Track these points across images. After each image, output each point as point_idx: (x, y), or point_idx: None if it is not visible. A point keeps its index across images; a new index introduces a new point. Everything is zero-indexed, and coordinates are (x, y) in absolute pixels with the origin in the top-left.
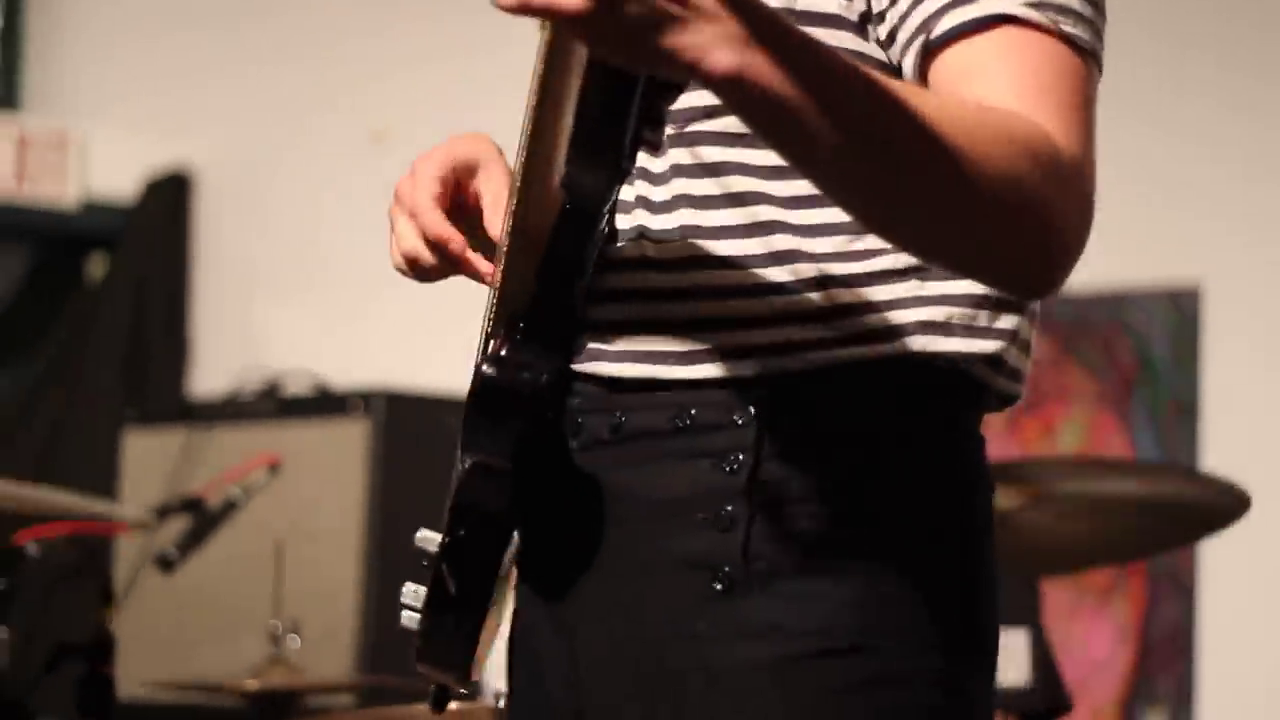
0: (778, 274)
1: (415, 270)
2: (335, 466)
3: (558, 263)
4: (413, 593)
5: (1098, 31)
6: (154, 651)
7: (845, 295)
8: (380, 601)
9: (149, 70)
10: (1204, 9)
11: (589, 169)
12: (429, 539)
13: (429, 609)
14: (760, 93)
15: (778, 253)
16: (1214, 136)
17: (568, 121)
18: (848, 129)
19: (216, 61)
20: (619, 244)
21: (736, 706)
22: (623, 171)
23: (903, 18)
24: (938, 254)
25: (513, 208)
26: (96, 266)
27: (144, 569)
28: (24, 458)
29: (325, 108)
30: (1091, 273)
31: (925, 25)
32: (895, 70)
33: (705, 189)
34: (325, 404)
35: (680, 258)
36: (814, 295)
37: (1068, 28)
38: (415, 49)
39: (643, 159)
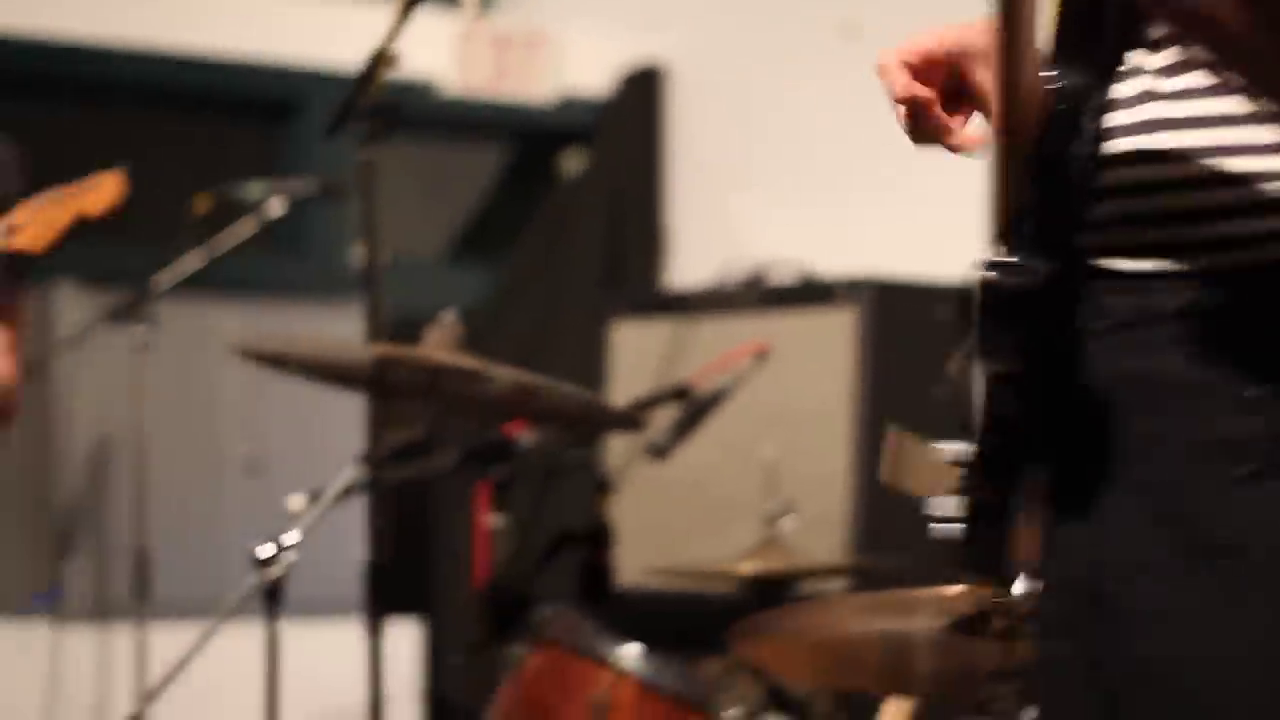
0: None
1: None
2: (822, 355)
3: (1051, 163)
4: (942, 504)
5: None
6: (646, 539)
7: None
8: (872, 487)
9: None
10: None
11: (1075, 68)
12: (950, 451)
13: (965, 519)
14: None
15: None
16: None
17: (1049, 18)
18: None
19: None
20: (1117, 139)
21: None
22: (1110, 69)
23: None
24: None
25: (1001, 108)
26: (572, 162)
27: (635, 458)
28: (505, 352)
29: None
30: None
31: None
32: None
33: (1204, 81)
34: (811, 293)
35: (1183, 150)
36: None
37: None
38: None
39: (1141, 56)
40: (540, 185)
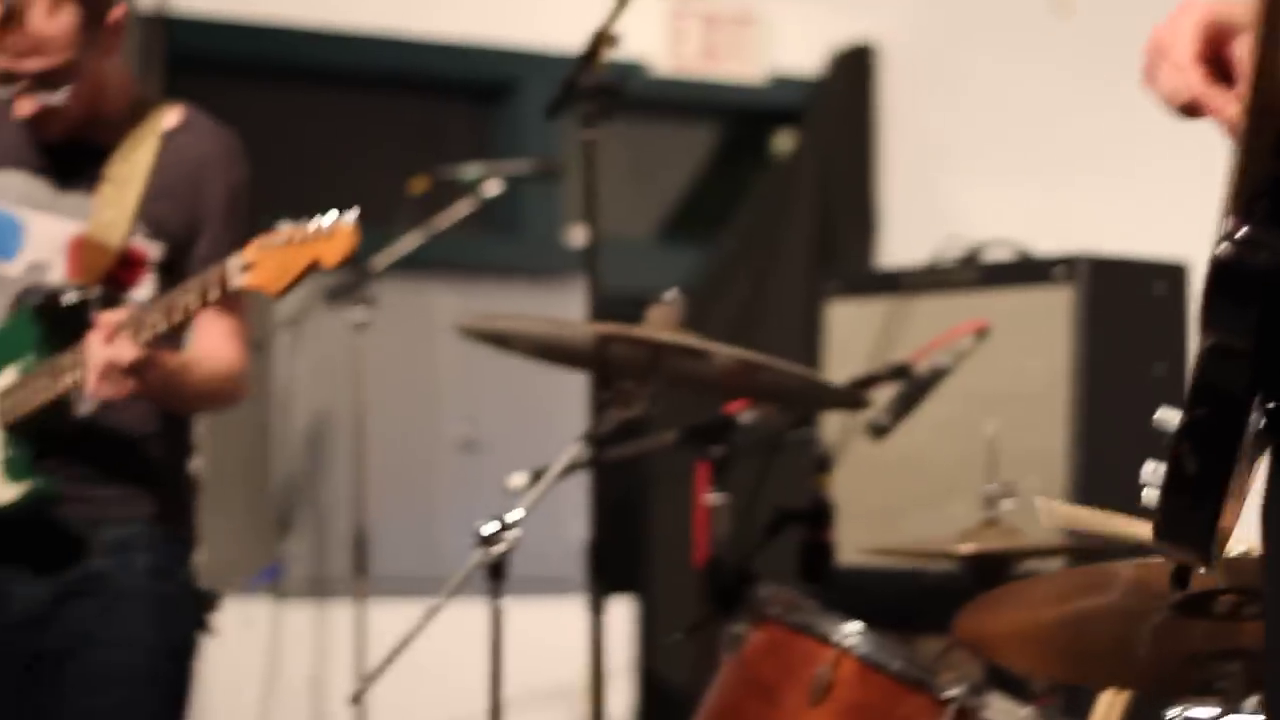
0: None
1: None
2: (1039, 332)
3: None
4: (1153, 471)
5: None
6: (864, 518)
7: None
8: (1090, 465)
9: None
10: None
11: None
12: (1169, 418)
13: (1168, 488)
14: None
15: None
16: None
17: None
18: None
19: None
20: None
21: None
22: None
23: None
24: None
25: (1254, 84)
26: (783, 141)
27: (851, 437)
28: (716, 332)
29: None
30: None
31: None
32: None
33: None
34: (1027, 271)
35: None
36: None
37: None
38: None
39: None
40: (751, 165)
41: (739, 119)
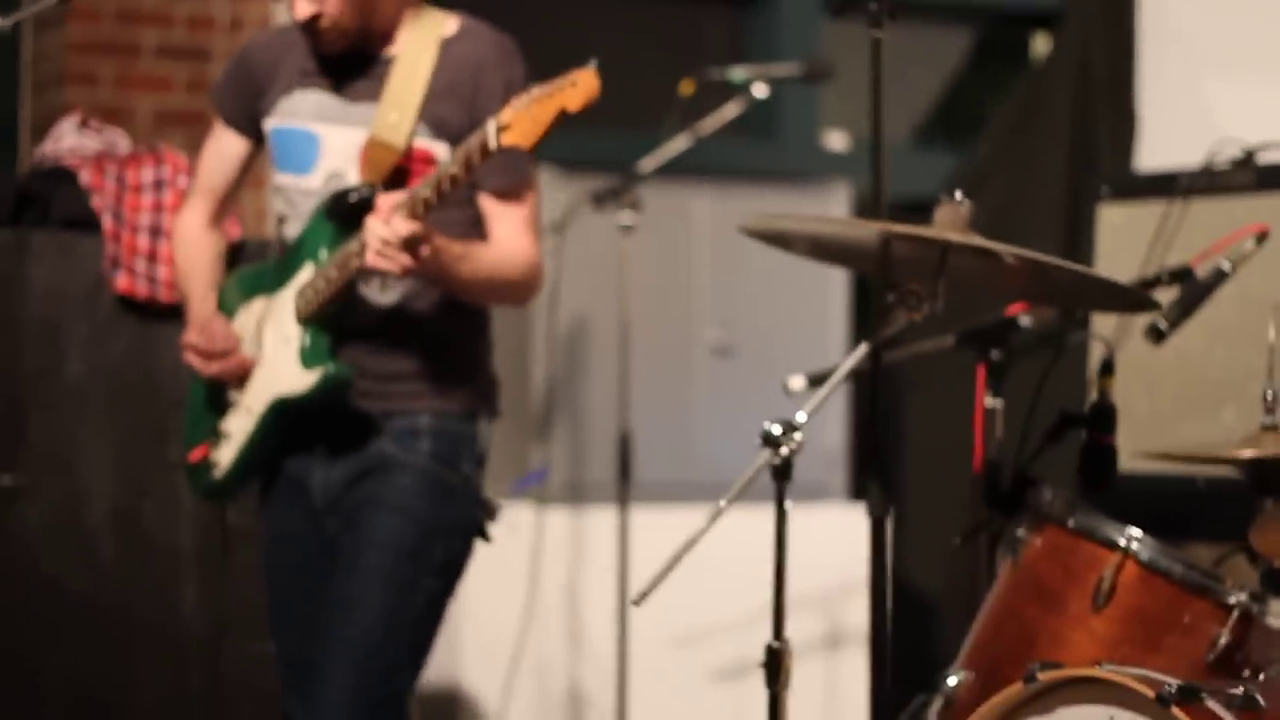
0: None
1: None
2: None
3: None
4: None
5: None
6: (1133, 423)
7: None
8: None
9: None
10: None
11: None
12: None
13: None
14: None
15: None
16: None
17: None
18: None
19: None
20: None
21: None
22: None
23: None
24: None
25: None
26: (1040, 44)
27: (1121, 341)
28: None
29: None
30: None
31: None
32: None
33: None
34: None
35: None
36: None
37: None
38: None
39: None
40: (1008, 68)
41: (995, 21)
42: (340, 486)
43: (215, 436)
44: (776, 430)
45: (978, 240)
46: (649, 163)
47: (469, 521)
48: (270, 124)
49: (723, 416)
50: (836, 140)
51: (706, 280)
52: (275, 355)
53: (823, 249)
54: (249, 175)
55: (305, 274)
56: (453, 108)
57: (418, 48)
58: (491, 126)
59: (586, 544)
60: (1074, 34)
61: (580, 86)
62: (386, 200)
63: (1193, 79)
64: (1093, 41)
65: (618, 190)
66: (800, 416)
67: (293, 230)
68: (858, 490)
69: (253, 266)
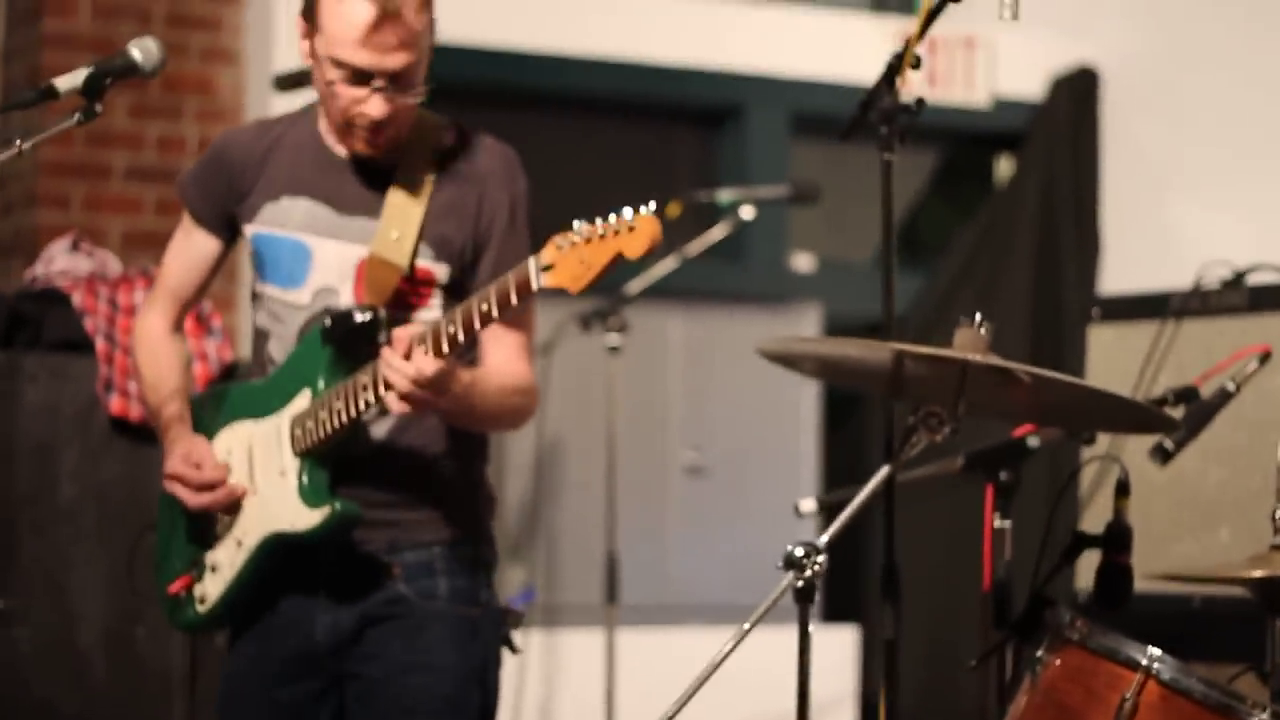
0: None
1: None
2: None
3: None
4: None
5: None
6: (1147, 543)
7: None
8: None
9: None
10: None
11: None
12: None
13: None
14: None
15: None
16: None
17: None
18: None
19: None
20: None
21: None
22: None
23: None
24: None
25: None
26: (1004, 166)
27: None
28: None
29: None
30: None
31: None
32: None
33: None
34: None
35: None
36: None
37: None
38: None
39: None
40: (972, 189)
41: (960, 143)
42: (351, 632)
43: (198, 568)
44: (799, 553)
45: (997, 360)
46: (636, 284)
47: (496, 647)
48: (253, 230)
49: (696, 538)
50: (803, 262)
51: (680, 401)
52: (270, 487)
53: (839, 372)
54: (216, 278)
55: (301, 401)
56: (455, 226)
57: (415, 158)
58: (533, 265)
59: (563, 667)
60: (1038, 156)
61: (641, 232)
62: (405, 333)
63: (1154, 201)
64: (1057, 164)
65: (604, 312)
66: (822, 539)
67: (278, 347)
68: (831, 612)
69: (232, 385)
